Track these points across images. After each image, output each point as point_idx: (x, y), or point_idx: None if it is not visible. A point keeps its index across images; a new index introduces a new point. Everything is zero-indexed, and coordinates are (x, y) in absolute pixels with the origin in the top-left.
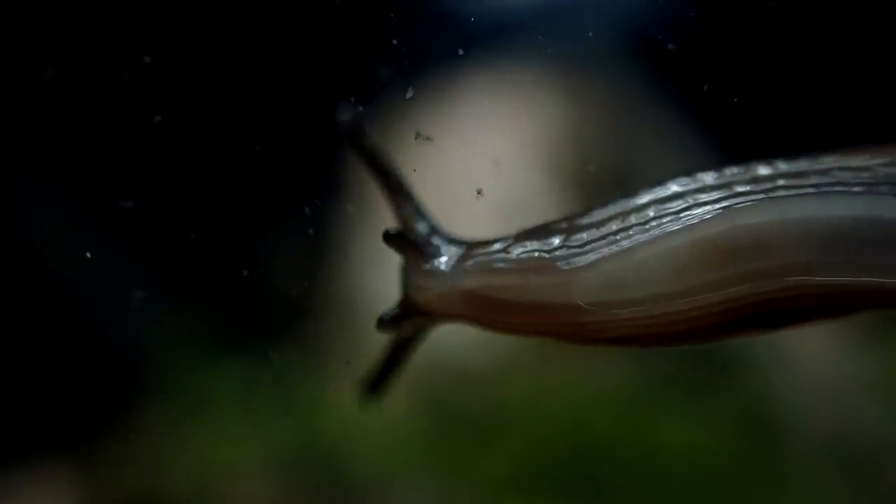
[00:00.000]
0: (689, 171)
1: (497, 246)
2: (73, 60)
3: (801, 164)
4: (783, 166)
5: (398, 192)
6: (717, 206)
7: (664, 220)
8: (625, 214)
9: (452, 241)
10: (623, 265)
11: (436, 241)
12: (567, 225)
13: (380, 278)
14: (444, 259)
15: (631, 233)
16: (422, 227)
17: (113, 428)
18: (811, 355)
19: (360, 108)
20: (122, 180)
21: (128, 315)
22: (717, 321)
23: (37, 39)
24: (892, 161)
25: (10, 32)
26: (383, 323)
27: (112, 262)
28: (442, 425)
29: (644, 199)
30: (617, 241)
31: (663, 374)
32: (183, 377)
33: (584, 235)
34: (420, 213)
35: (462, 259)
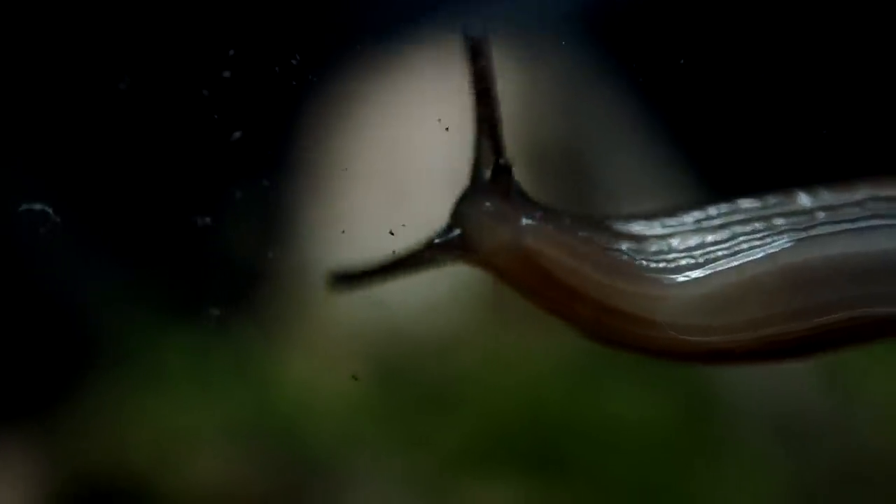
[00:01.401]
0: (759, 193)
1: (567, 219)
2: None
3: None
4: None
5: (490, 117)
6: (800, 234)
7: (745, 242)
8: (702, 232)
9: (523, 194)
10: (710, 290)
11: (511, 186)
12: (641, 228)
13: (334, 246)
14: (515, 208)
15: (715, 253)
16: (499, 168)
17: (68, 400)
18: None
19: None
20: (74, 147)
21: (81, 286)
22: (792, 346)
23: None
24: None
25: None
26: (435, 248)
27: (64, 233)
28: (397, 395)
29: (718, 216)
30: (700, 262)
31: None
32: (137, 347)
33: (657, 247)
34: (501, 151)
35: (530, 216)
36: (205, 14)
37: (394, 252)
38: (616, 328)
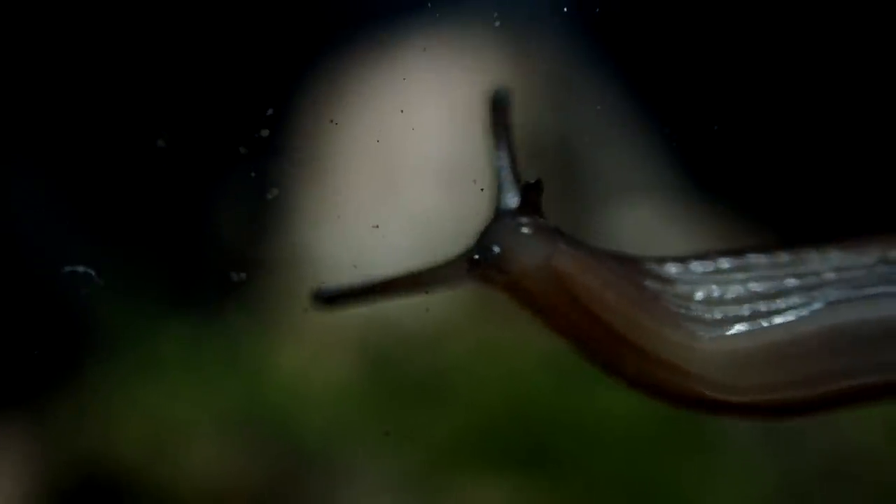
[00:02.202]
0: (795, 247)
1: (598, 250)
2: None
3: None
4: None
5: (505, 137)
6: (841, 292)
7: (788, 300)
8: (738, 283)
9: (543, 213)
10: (752, 347)
11: (539, 202)
12: (676, 271)
13: (327, 239)
14: (550, 229)
15: (760, 309)
16: (529, 186)
17: (62, 388)
18: None
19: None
20: (69, 141)
21: (75, 275)
22: (829, 405)
23: None
24: None
25: None
26: (475, 266)
27: (59, 221)
28: (386, 387)
29: (753, 269)
30: (745, 316)
31: None
32: (131, 338)
33: (701, 294)
34: (517, 167)
35: (563, 238)
36: (203, 6)
37: (407, 269)
38: (644, 371)
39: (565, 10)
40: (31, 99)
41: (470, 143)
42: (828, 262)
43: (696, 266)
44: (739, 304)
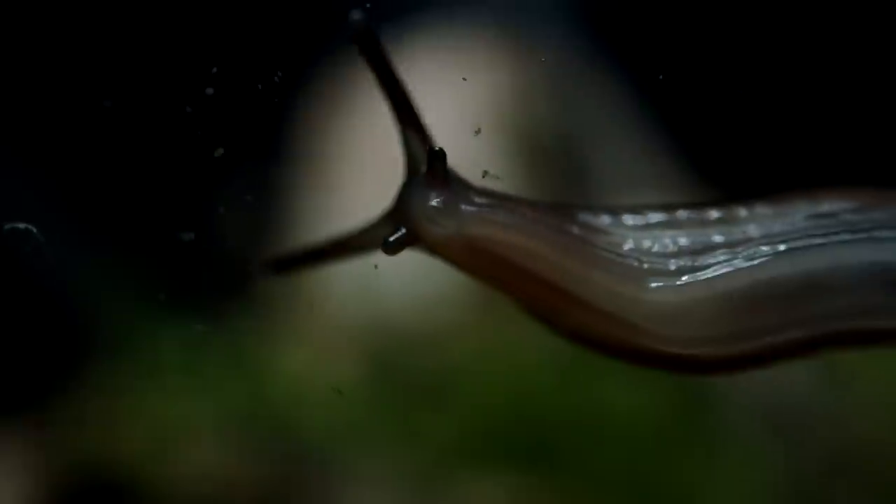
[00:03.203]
0: (730, 201)
1: (524, 206)
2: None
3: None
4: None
5: (405, 106)
6: (766, 248)
7: (715, 255)
8: (674, 237)
9: (463, 182)
10: (677, 302)
11: (446, 171)
12: (611, 221)
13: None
14: (455, 196)
15: (685, 264)
16: (433, 155)
17: (63, 391)
18: None
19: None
20: (68, 144)
21: (76, 277)
22: (778, 355)
23: None
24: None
25: None
26: (389, 246)
27: (59, 224)
28: (389, 388)
29: (691, 223)
30: (671, 270)
31: None
32: (132, 339)
33: (630, 244)
34: (426, 135)
35: (472, 202)
36: (202, 5)
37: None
38: (577, 320)
39: (569, 6)
40: (31, 101)
41: (470, 141)
42: (755, 219)
43: (628, 218)
44: (667, 257)
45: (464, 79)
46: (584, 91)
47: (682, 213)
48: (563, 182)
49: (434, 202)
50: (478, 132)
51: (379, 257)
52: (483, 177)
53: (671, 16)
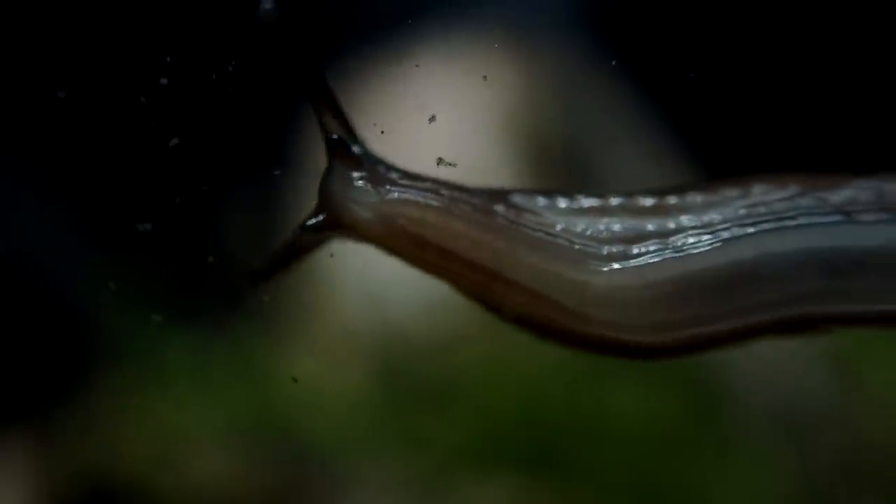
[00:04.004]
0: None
1: (442, 186)
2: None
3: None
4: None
5: (321, 91)
6: (696, 238)
7: (646, 244)
8: (608, 223)
9: (385, 164)
10: (606, 287)
11: (365, 154)
12: (543, 203)
13: (334, 246)
14: (374, 175)
15: (616, 251)
16: (346, 136)
17: (68, 399)
18: None
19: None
20: (73, 150)
21: (81, 285)
22: (717, 343)
23: None
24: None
25: None
26: (307, 230)
27: (64, 231)
28: (396, 394)
29: (625, 210)
30: (603, 255)
31: None
32: (137, 346)
33: (561, 226)
34: (343, 118)
35: (391, 184)
36: (206, 8)
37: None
38: (513, 301)
39: (574, 8)
40: (33, 105)
41: (478, 145)
42: (687, 208)
43: (561, 201)
44: (599, 242)
45: (484, 77)
46: (590, 93)
47: (615, 200)
48: (568, 183)
49: (352, 183)
50: (432, 120)
51: (379, 257)
52: (438, 165)
53: (676, 18)
